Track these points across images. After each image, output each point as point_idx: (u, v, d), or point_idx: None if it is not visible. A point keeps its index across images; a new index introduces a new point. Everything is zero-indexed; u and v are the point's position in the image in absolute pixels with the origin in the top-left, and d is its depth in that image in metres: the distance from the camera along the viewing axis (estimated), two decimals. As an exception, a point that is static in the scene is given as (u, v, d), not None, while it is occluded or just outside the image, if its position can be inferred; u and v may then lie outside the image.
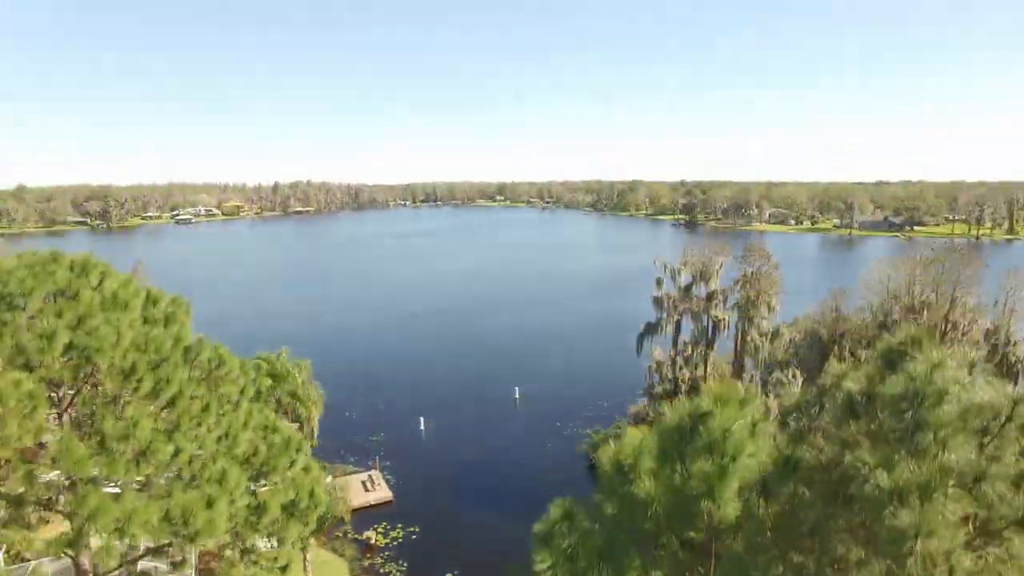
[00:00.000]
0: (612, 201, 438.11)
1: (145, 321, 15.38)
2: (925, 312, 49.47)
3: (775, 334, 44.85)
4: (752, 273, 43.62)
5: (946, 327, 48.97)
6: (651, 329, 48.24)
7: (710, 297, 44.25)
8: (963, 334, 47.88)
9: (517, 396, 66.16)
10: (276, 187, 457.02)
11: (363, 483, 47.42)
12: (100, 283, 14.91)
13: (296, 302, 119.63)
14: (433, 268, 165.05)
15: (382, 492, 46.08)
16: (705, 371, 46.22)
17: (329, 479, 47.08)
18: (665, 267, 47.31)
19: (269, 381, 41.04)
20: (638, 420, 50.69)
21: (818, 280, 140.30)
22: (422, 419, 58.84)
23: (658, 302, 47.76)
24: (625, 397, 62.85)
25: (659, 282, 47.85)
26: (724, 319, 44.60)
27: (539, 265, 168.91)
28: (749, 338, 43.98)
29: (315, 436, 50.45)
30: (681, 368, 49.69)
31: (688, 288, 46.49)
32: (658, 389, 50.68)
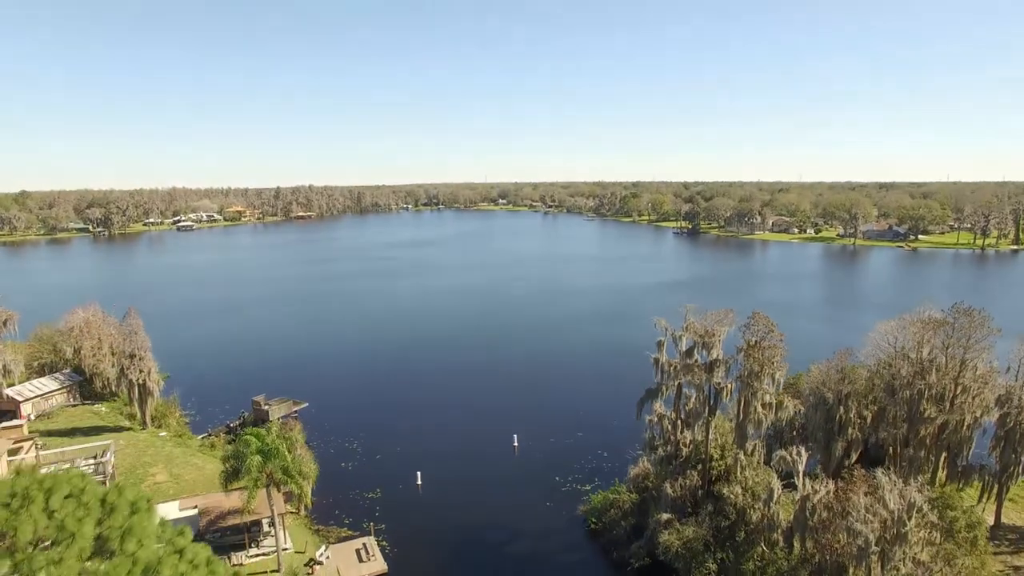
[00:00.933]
0: (614, 207, 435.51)
1: (98, 538, 14.21)
2: (933, 372, 48.08)
3: (779, 406, 43.57)
4: (755, 343, 42.29)
5: (956, 390, 47.58)
6: (651, 394, 46.97)
7: (712, 366, 42.95)
8: (973, 398, 46.46)
9: (516, 443, 64.96)
10: (278, 192, 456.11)
11: (357, 551, 46.22)
12: (47, 501, 13.75)
13: (293, 330, 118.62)
14: (432, 286, 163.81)
15: (377, 564, 44.87)
16: (707, 438, 44.91)
17: (323, 549, 46.09)
18: (666, 330, 46.01)
19: (259, 459, 39.94)
20: (638, 484, 49.41)
21: (822, 298, 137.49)
22: (419, 473, 57.61)
23: (658, 364, 46.46)
24: (625, 447, 61.69)
25: (660, 345, 46.56)
26: (727, 388, 43.34)
27: (540, 283, 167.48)
28: (752, 408, 42.68)
29: (310, 501, 49.47)
30: (682, 431, 48.45)
31: (690, 352, 45.19)
32: (660, 451, 49.39)
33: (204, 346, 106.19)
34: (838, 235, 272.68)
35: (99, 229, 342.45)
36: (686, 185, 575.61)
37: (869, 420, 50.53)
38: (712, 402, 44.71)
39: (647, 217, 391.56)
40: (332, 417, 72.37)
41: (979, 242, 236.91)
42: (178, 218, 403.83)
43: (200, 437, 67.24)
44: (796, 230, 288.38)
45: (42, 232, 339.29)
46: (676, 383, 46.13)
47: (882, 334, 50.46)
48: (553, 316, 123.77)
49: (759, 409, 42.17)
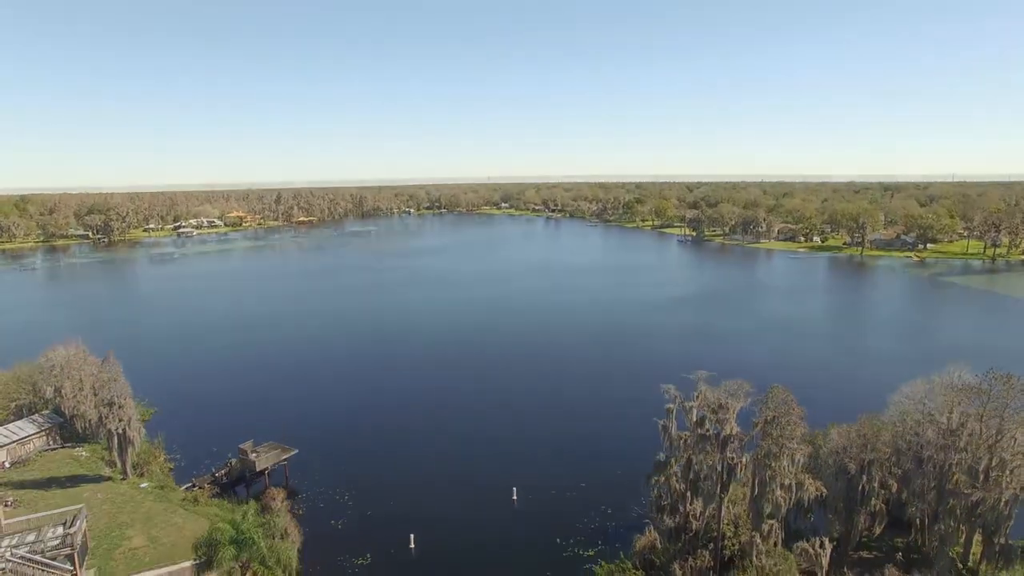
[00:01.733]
0: (618, 212, 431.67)
1: None
2: (964, 436, 44.50)
3: (799, 486, 40.05)
4: (772, 418, 38.80)
5: (991, 462, 44.00)
6: (660, 468, 43.59)
7: (725, 442, 39.48)
8: (1011, 472, 42.82)
9: (515, 497, 61.52)
10: (279, 197, 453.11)
11: (342, 635, 42.91)
12: None
13: (285, 354, 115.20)
14: (430, 307, 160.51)
15: (362, 653, 41.53)
16: (719, 516, 41.45)
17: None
18: (676, 399, 42.58)
19: (232, 549, 36.61)
20: (644, 559, 45.95)
21: (829, 315, 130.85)
22: (412, 536, 54.22)
23: (666, 433, 43.01)
24: (630, 502, 58.16)
25: (669, 411, 43.14)
26: (742, 463, 39.89)
27: (539, 300, 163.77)
28: (769, 490, 39.18)
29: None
30: (692, 502, 44.99)
31: (701, 422, 41.73)
32: (667, 521, 45.95)
33: (196, 370, 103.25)
34: (844, 243, 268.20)
35: (99, 236, 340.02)
36: (689, 188, 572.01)
37: (894, 489, 46.99)
38: (725, 478, 41.22)
39: (651, 222, 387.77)
40: (323, 463, 69.02)
41: (988, 252, 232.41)
42: (179, 224, 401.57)
43: (183, 488, 63.90)
44: (802, 238, 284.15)
45: (40, 239, 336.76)
46: (687, 455, 42.66)
47: (908, 397, 46.96)
48: (553, 342, 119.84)
49: (777, 492, 38.65)
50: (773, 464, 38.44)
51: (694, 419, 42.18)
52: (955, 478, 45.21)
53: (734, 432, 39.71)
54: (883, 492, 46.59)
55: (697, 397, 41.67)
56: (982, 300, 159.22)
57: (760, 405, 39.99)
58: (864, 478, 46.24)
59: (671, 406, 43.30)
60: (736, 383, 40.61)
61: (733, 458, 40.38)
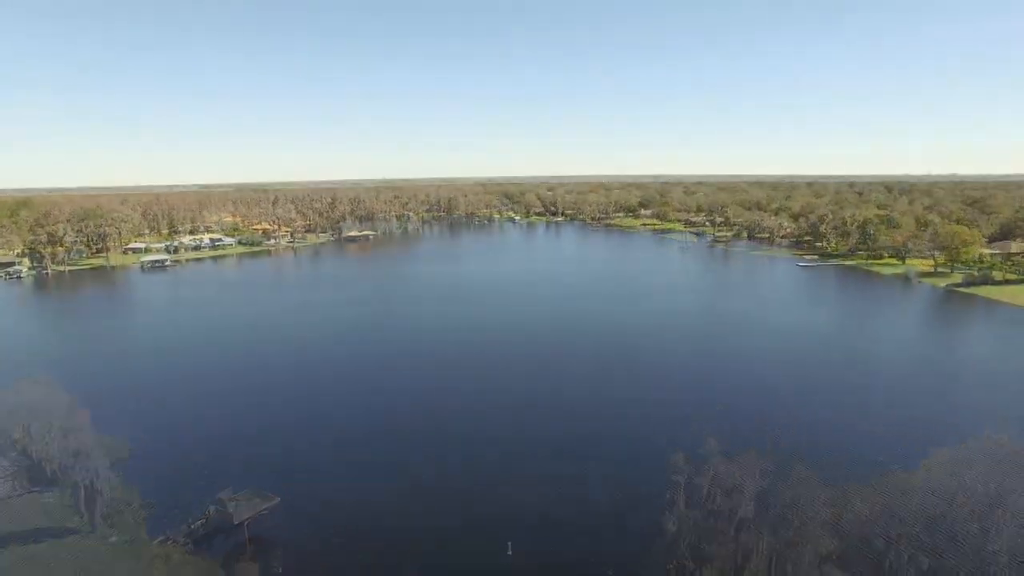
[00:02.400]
0: (619, 215, 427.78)
1: None
2: (1005, 513, 40.33)
3: (826, 578, 36.02)
4: (793, 498, 34.75)
5: (1033, 542, 39.78)
6: (668, 543, 39.51)
7: (740, 525, 35.47)
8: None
9: (510, 552, 57.33)
10: (276, 200, 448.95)
11: None
12: None
13: (277, 389, 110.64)
14: (431, 312, 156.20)
15: None
16: (734, 604, 37.49)
17: None
18: (684, 473, 38.53)
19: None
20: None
21: (852, 335, 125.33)
22: (397, 604, 50.18)
23: (673, 509, 38.89)
24: (639, 568, 53.94)
25: (677, 486, 39.04)
26: (758, 549, 35.84)
27: (540, 312, 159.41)
28: (792, 583, 35.17)
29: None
30: (704, 582, 40.98)
31: (712, 498, 37.67)
32: (675, 600, 41.87)
33: (182, 393, 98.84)
34: (849, 250, 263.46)
35: (92, 241, 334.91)
36: (692, 191, 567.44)
37: (925, 567, 42.78)
38: (740, 562, 37.09)
39: (653, 225, 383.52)
40: (305, 512, 64.62)
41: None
42: (174, 229, 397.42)
43: (156, 542, 59.74)
44: (805, 244, 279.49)
45: (32, 246, 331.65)
46: (696, 535, 38.52)
47: (939, 463, 42.77)
48: (552, 356, 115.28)
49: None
50: (794, 555, 34.33)
51: (704, 495, 38.06)
52: (983, 554, 41.03)
53: (751, 516, 35.60)
54: (912, 569, 42.40)
55: (707, 474, 37.53)
56: (1016, 317, 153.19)
57: (780, 483, 35.84)
58: (892, 554, 42.07)
59: (679, 478, 39.15)
60: (752, 456, 36.46)
61: (748, 543, 36.25)
